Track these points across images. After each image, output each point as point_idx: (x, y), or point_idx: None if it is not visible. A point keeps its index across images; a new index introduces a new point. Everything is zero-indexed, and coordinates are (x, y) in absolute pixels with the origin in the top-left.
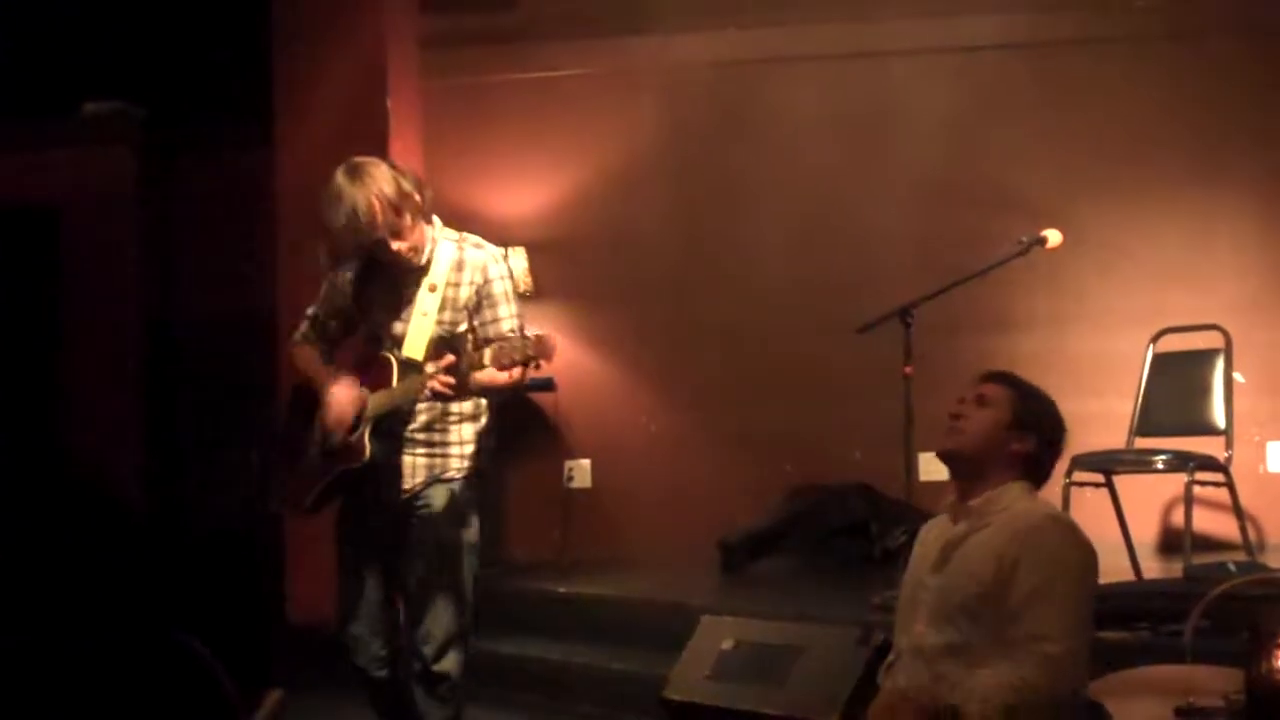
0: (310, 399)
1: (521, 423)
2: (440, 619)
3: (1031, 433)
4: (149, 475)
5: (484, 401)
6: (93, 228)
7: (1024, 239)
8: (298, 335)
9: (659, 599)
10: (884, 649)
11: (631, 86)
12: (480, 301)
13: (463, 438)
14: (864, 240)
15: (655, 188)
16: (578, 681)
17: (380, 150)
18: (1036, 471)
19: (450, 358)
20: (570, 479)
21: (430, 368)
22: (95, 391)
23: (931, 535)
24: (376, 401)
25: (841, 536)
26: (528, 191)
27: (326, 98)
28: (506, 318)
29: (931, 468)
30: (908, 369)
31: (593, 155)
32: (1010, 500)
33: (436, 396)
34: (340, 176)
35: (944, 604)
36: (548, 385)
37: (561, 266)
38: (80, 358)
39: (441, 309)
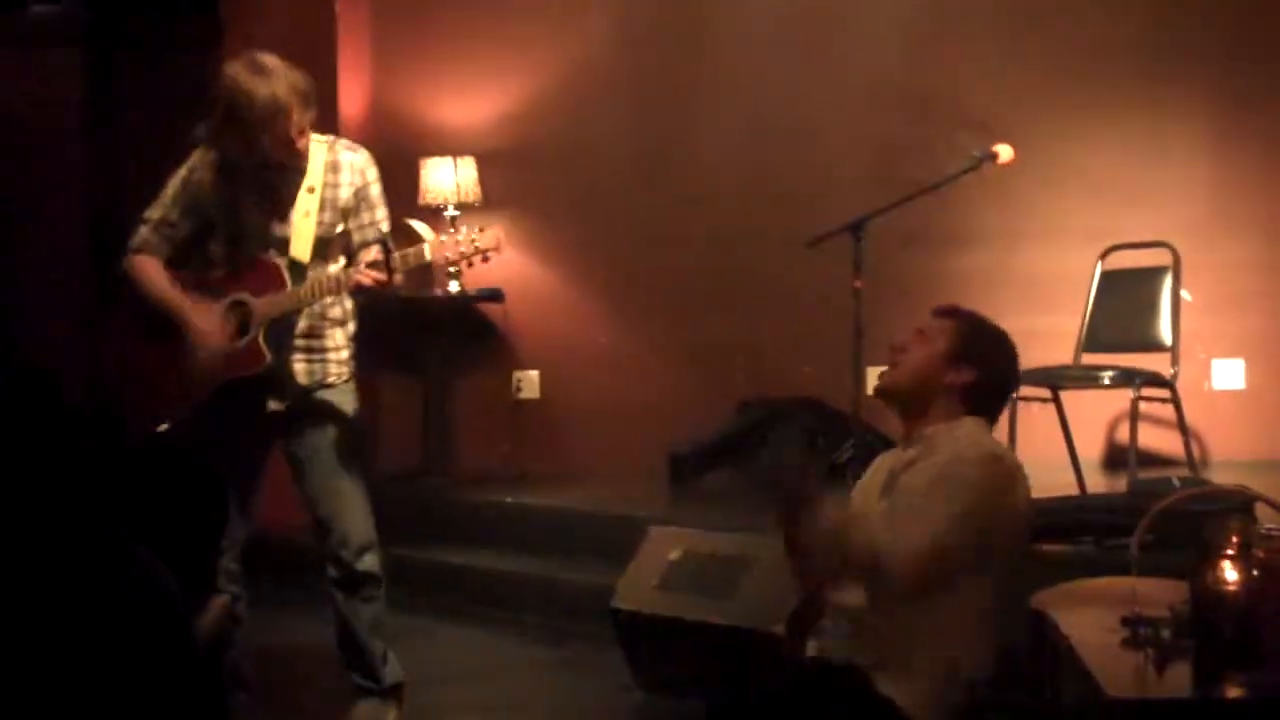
0: (155, 313)
1: (469, 334)
2: (355, 521)
3: (970, 365)
4: (94, 377)
5: (351, 306)
6: (39, 129)
7: (976, 154)
8: (137, 242)
9: (607, 510)
10: None
11: None
12: (359, 203)
13: (338, 343)
14: (817, 152)
15: (606, 97)
16: (526, 592)
17: (329, 55)
18: (982, 405)
19: (375, 252)
20: (519, 390)
21: (334, 263)
22: (41, 294)
23: (884, 464)
24: (269, 305)
25: (789, 450)
26: (477, 100)
27: None
28: (383, 220)
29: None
30: (858, 283)
31: (544, 64)
32: (962, 434)
33: (361, 291)
34: (247, 73)
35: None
36: (496, 296)
37: (511, 177)
38: (26, 263)
39: (321, 209)
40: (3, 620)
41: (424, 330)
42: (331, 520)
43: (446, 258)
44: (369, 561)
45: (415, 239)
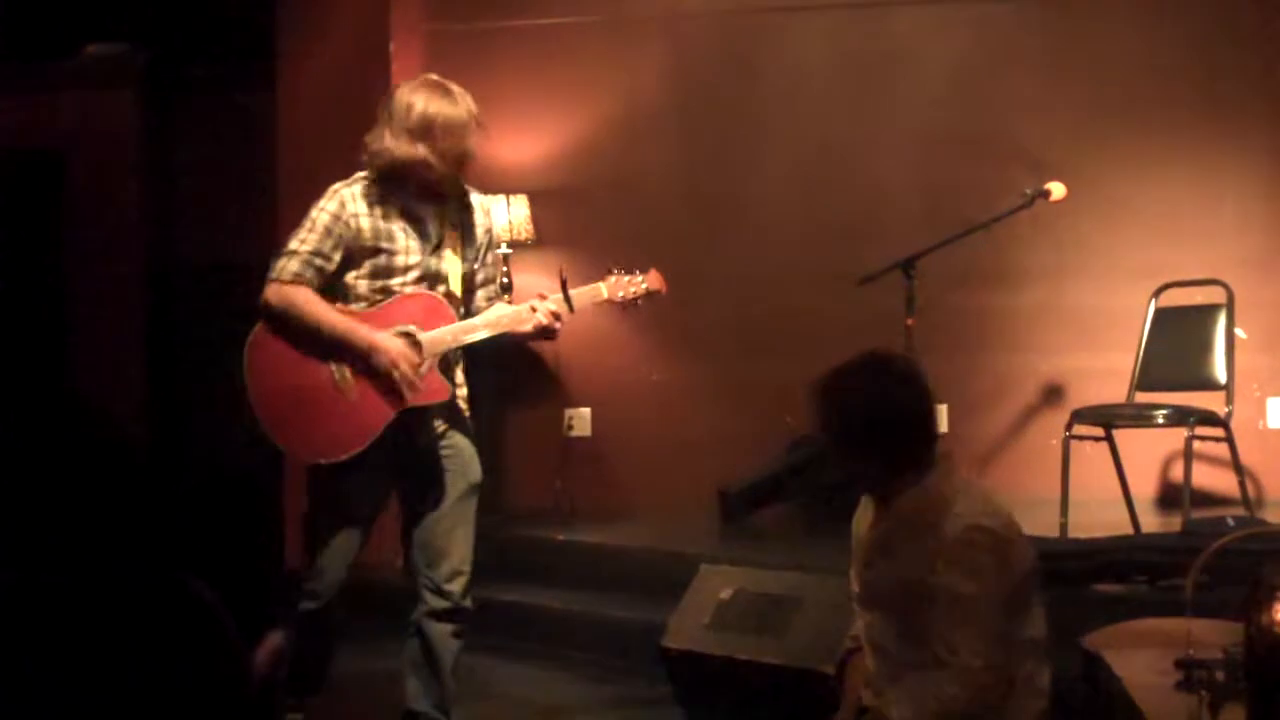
0: (309, 342)
1: (522, 371)
2: (465, 556)
3: (872, 448)
4: (151, 415)
5: None
6: (96, 170)
7: (1028, 191)
8: (288, 274)
9: (658, 548)
10: None
11: (637, 34)
12: (488, 241)
13: (460, 379)
14: (868, 190)
15: (659, 136)
16: (577, 629)
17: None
18: (921, 454)
19: (556, 294)
20: (570, 427)
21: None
22: (98, 331)
23: (866, 514)
24: (439, 337)
25: (840, 487)
26: (531, 139)
27: (330, 41)
28: (498, 261)
29: None
30: (910, 320)
31: (597, 103)
32: (933, 499)
33: (539, 329)
34: (437, 95)
35: (876, 597)
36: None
37: (564, 215)
38: (83, 298)
39: (464, 245)
40: (55, 654)
41: (476, 367)
42: (447, 553)
43: (620, 297)
44: (469, 598)
45: None
